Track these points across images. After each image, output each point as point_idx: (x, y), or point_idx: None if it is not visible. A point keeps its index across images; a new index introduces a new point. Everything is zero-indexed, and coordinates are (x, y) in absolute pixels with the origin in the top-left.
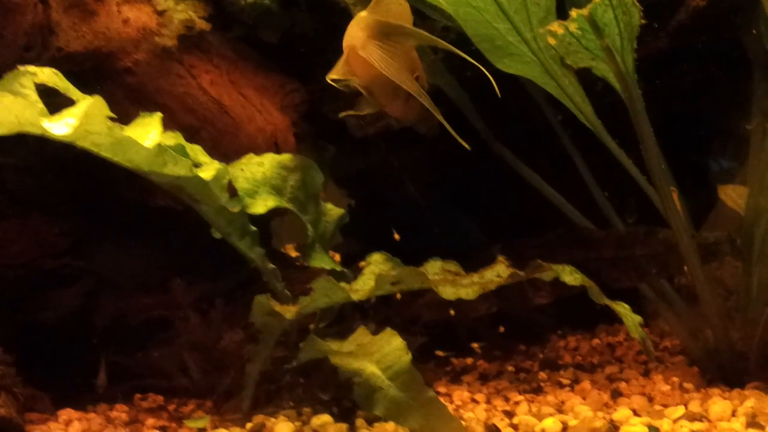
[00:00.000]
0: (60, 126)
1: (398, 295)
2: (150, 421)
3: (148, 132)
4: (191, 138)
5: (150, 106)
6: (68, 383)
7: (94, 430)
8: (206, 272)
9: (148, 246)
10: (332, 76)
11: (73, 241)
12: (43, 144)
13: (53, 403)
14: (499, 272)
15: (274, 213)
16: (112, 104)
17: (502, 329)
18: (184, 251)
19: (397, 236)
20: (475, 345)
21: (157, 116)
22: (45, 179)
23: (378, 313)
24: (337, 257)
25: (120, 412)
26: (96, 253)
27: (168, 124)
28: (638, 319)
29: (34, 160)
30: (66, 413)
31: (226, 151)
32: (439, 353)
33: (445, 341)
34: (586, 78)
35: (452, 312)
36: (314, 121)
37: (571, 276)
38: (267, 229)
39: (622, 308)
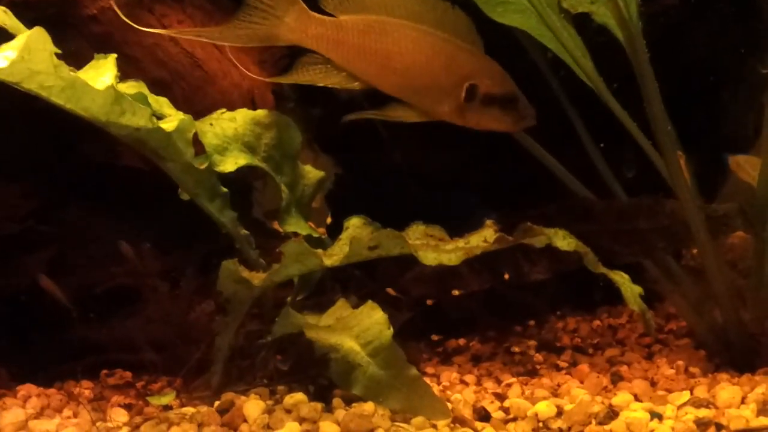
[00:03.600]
0: None
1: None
2: (115, 398)
3: (102, 74)
4: (162, 93)
5: (117, 58)
6: (30, 357)
7: (53, 407)
8: (177, 239)
9: (116, 210)
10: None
11: (36, 205)
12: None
13: (13, 379)
14: (485, 237)
15: (252, 177)
16: (76, 56)
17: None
18: (154, 216)
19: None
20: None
21: (111, 57)
22: (3, 138)
23: (361, 286)
24: (324, 233)
25: (84, 388)
26: (60, 218)
27: (137, 77)
28: (638, 289)
29: None
30: (25, 389)
31: (199, 107)
32: (434, 338)
33: (435, 320)
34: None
35: (455, 292)
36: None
37: (564, 241)
38: (247, 197)
39: (620, 277)
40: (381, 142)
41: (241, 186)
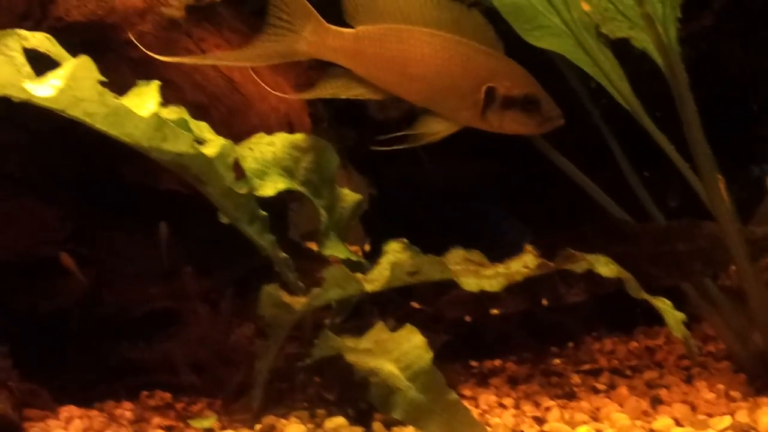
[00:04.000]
0: (44, 88)
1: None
2: (156, 420)
3: (145, 102)
4: (200, 117)
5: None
6: (71, 378)
7: (95, 429)
8: (216, 261)
9: (155, 233)
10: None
11: (75, 227)
12: (40, 121)
13: (54, 399)
14: (526, 263)
15: (289, 198)
16: (115, 79)
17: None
18: (193, 238)
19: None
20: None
21: (155, 84)
22: (43, 160)
23: (399, 308)
24: (358, 250)
25: (125, 409)
26: (99, 240)
27: (175, 101)
28: (681, 316)
29: (32, 140)
30: (67, 410)
31: (237, 130)
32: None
33: (471, 342)
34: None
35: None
36: (333, 103)
37: (606, 267)
38: (283, 218)
39: (663, 304)
40: (416, 163)
41: (278, 207)
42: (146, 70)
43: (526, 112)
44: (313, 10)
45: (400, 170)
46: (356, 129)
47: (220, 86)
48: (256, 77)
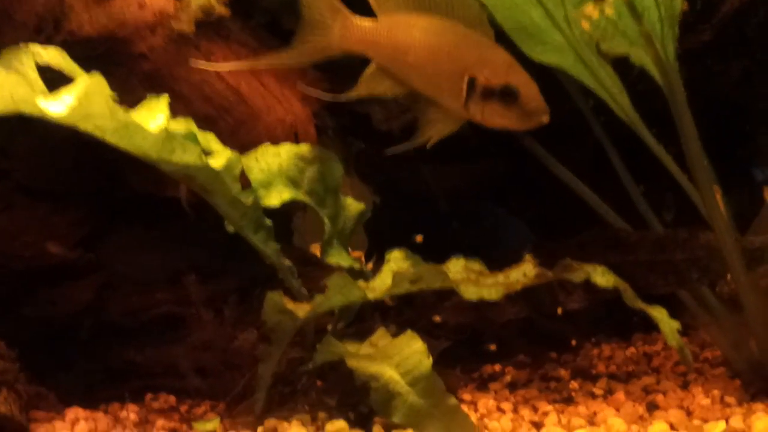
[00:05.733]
0: (57, 105)
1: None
2: (160, 422)
3: (154, 116)
4: (208, 128)
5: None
6: (77, 381)
7: (100, 430)
8: (221, 268)
9: (161, 239)
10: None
11: (84, 233)
12: (49, 131)
13: (61, 402)
14: (525, 272)
15: (294, 208)
16: (126, 92)
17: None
18: (198, 246)
19: (419, 238)
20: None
21: (164, 99)
22: (53, 168)
23: (400, 315)
24: (361, 256)
25: (130, 412)
26: (107, 246)
27: (184, 113)
28: (676, 325)
29: (41, 148)
30: (73, 412)
31: (244, 141)
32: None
33: (471, 348)
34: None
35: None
36: (338, 114)
37: (603, 277)
38: (287, 226)
39: (659, 313)
40: (417, 173)
41: (282, 215)
42: (156, 83)
43: (504, 104)
44: (341, 3)
45: (403, 179)
46: (361, 139)
47: (228, 98)
48: (263, 89)
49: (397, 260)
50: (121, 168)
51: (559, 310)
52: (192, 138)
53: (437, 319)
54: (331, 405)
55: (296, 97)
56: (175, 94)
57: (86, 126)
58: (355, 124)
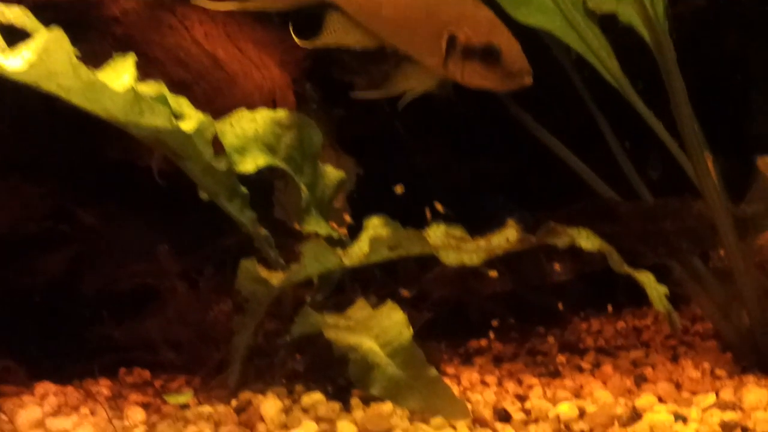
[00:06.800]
0: (15, 60)
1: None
2: (133, 396)
3: (121, 75)
4: (183, 94)
5: (139, 59)
6: (49, 355)
7: (71, 405)
8: (196, 238)
9: (135, 210)
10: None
11: (56, 204)
12: (22, 100)
13: (31, 377)
14: (508, 237)
15: (273, 176)
16: (98, 56)
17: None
18: (173, 216)
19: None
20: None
21: (131, 57)
22: (22, 137)
23: (382, 287)
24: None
25: (102, 386)
26: (80, 218)
27: (158, 78)
28: (663, 290)
29: (13, 118)
30: (43, 386)
31: (220, 108)
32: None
33: (456, 322)
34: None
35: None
36: (319, 82)
37: (588, 241)
38: (267, 197)
39: (646, 278)
40: (403, 143)
41: (262, 186)
42: (129, 48)
43: (485, 64)
44: None
45: (388, 151)
46: (344, 108)
47: (203, 64)
48: (241, 55)
49: (375, 227)
50: (93, 137)
51: (547, 283)
52: (163, 101)
53: (406, 294)
54: (308, 378)
55: (275, 63)
56: (149, 58)
57: (49, 85)
58: (337, 92)
